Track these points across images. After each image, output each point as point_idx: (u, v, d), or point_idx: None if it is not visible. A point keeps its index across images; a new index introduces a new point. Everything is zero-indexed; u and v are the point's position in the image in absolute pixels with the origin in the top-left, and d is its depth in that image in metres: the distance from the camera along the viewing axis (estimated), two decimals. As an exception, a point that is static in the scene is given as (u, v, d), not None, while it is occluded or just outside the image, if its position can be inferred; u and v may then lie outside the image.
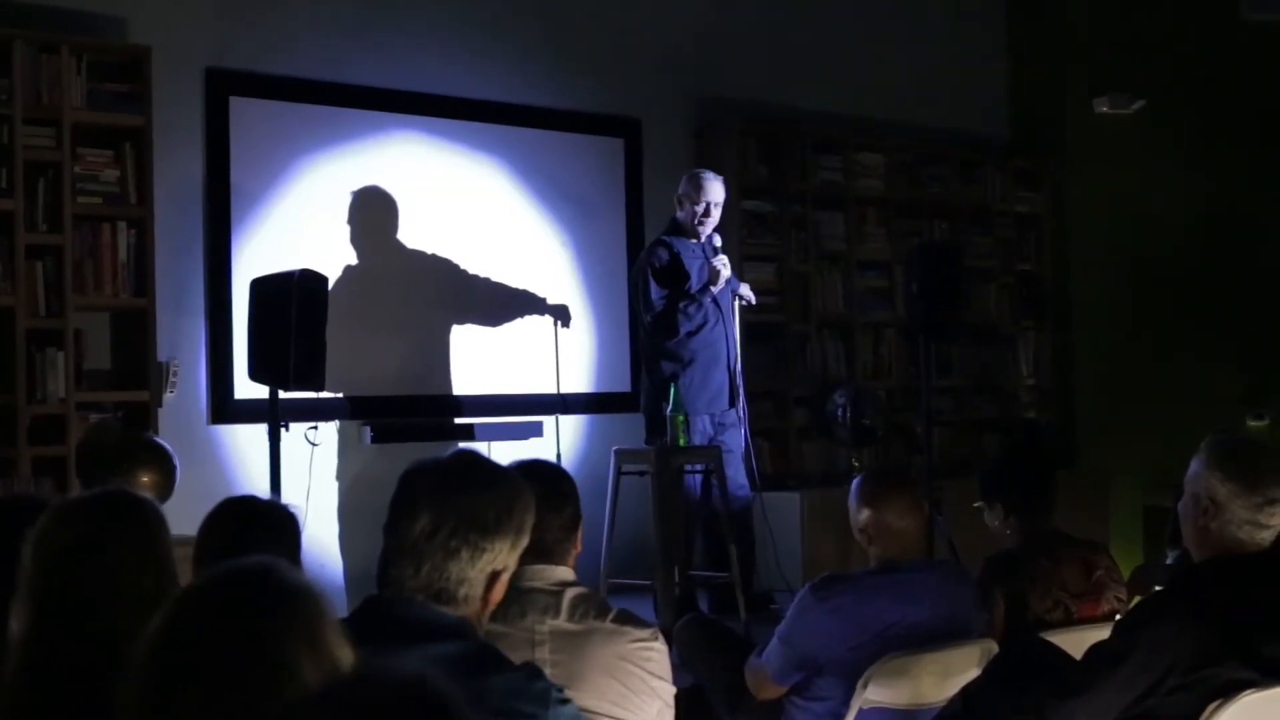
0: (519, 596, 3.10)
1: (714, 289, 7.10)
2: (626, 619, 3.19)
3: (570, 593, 3.15)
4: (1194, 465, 3.44)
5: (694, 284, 7.12)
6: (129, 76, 6.79)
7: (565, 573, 3.20)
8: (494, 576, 2.53)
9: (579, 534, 3.27)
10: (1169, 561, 5.93)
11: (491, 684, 2.40)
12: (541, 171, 8.35)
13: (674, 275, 7.14)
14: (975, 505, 4.98)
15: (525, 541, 2.60)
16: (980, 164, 10.12)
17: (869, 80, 9.69)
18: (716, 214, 7.21)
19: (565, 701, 2.46)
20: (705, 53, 9.01)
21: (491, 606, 2.57)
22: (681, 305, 7.06)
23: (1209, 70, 9.61)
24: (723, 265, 7.08)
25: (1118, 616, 4.36)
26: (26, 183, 6.43)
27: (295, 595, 1.80)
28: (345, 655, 1.77)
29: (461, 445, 2.78)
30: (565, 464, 7.68)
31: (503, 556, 2.53)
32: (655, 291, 7.10)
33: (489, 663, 2.46)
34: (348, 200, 7.65)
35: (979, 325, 9.88)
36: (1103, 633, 3.49)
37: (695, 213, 7.17)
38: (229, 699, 1.67)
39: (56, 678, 2.42)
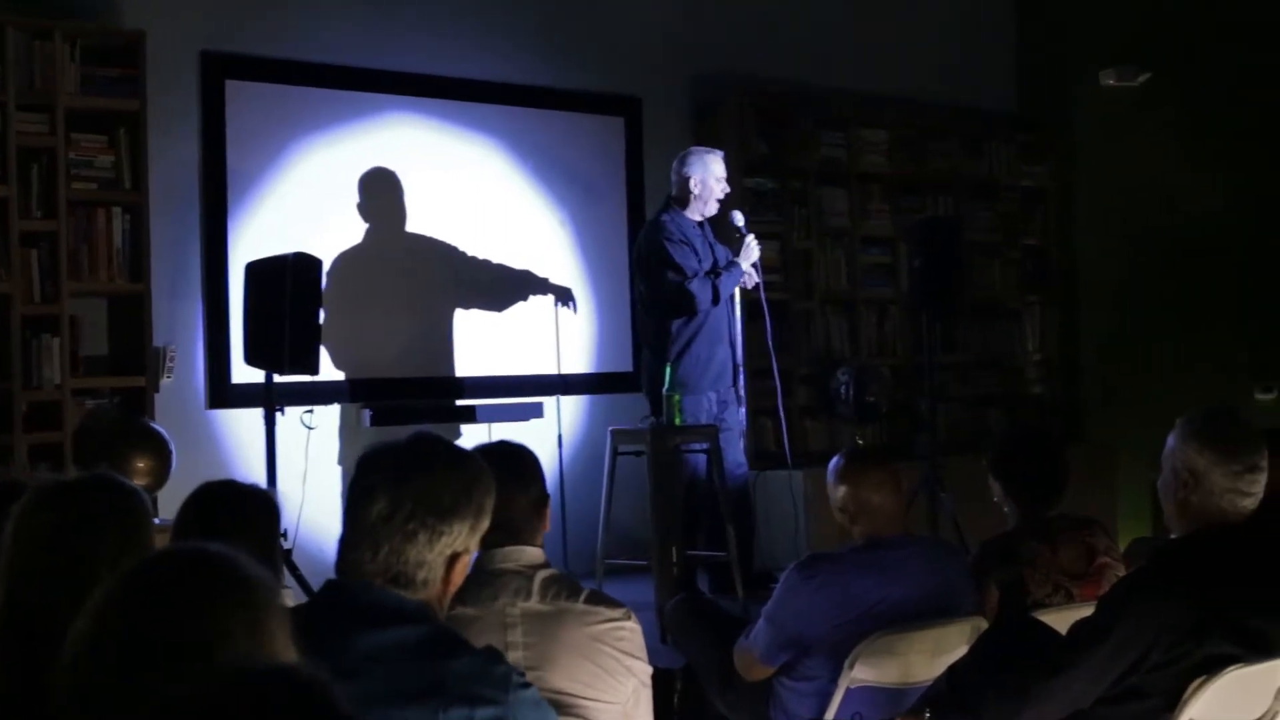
0: (490, 579, 3.11)
1: (742, 264, 7.09)
2: (598, 599, 3.18)
3: (541, 574, 3.14)
4: (1170, 440, 3.41)
5: (701, 262, 7.07)
6: (123, 61, 6.77)
7: (536, 554, 3.18)
8: (454, 559, 2.50)
9: (546, 512, 3.26)
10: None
11: (451, 668, 2.38)
12: (541, 151, 8.32)
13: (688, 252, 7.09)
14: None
15: (486, 524, 2.58)
16: (985, 138, 10.06)
17: (872, 54, 9.62)
18: (718, 189, 7.15)
19: (526, 685, 2.44)
20: (705, 29, 8.96)
21: (453, 589, 2.55)
22: (714, 280, 7.02)
23: (1215, 42, 9.52)
24: (755, 244, 7.13)
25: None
26: (20, 169, 6.42)
27: (244, 582, 1.78)
28: (288, 651, 1.74)
29: (421, 427, 2.71)
30: (567, 445, 7.71)
31: (462, 539, 2.51)
32: (687, 264, 7.02)
33: (448, 646, 2.43)
34: (346, 183, 7.63)
35: (983, 301, 9.85)
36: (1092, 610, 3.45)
37: (701, 190, 7.11)
38: (150, 675, 1.65)
39: (26, 661, 2.41)
